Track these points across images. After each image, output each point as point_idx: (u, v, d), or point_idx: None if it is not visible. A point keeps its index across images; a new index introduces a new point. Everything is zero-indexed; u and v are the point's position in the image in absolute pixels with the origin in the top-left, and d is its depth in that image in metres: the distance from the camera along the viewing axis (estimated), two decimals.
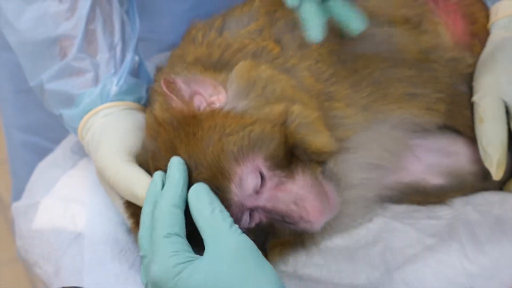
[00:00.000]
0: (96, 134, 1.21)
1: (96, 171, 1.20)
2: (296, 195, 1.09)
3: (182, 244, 0.97)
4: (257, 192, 1.08)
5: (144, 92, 1.30)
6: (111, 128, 1.21)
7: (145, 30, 1.37)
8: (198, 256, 0.97)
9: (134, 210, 1.14)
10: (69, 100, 1.26)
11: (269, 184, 1.08)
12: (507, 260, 1.17)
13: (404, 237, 1.22)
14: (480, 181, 1.30)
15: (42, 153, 1.62)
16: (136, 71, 1.31)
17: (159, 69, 1.31)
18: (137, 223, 1.15)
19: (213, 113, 1.08)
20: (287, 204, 1.08)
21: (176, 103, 1.10)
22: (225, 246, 0.95)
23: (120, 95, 1.25)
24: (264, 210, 1.09)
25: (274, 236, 1.14)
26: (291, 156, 1.09)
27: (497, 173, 1.23)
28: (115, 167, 1.14)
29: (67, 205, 1.28)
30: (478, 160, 1.28)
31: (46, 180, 1.35)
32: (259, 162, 1.07)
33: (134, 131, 1.20)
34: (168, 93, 1.10)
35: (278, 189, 1.09)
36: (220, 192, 1.03)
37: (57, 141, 1.56)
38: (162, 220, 0.99)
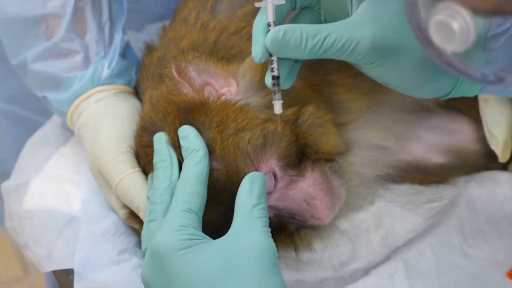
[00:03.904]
0: (90, 123, 1.18)
1: (90, 162, 1.16)
2: (306, 193, 1.08)
3: (194, 221, 0.95)
4: (269, 192, 1.07)
5: (134, 74, 1.26)
6: (107, 117, 1.17)
7: (130, 1, 1.31)
8: (205, 236, 0.95)
9: None
10: (57, 82, 1.21)
11: (280, 183, 1.07)
12: (505, 243, 1.17)
13: (405, 223, 1.22)
14: (483, 160, 1.28)
15: (23, 122, 1.61)
16: (124, 52, 1.27)
17: (148, 47, 1.27)
18: (130, 213, 1.14)
19: (226, 105, 1.05)
20: (298, 203, 1.08)
21: (187, 89, 1.07)
22: (248, 241, 0.92)
23: (112, 78, 1.21)
24: (274, 208, 1.08)
25: (281, 229, 1.13)
26: (301, 154, 1.08)
27: (503, 155, 1.22)
28: (117, 175, 1.11)
29: (60, 185, 1.25)
30: (480, 138, 1.27)
31: (36, 158, 1.31)
32: (273, 163, 1.05)
33: (130, 118, 1.16)
34: (180, 79, 1.07)
35: (289, 188, 1.08)
36: (233, 187, 1.01)
37: (38, 111, 1.53)
38: (185, 194, 0.98)
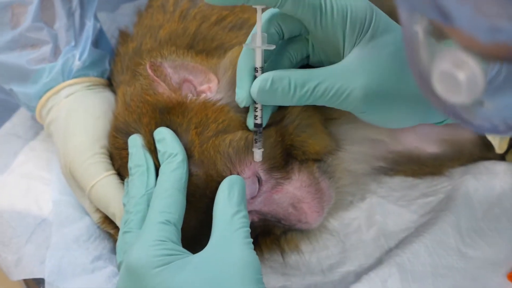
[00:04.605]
0: (61, 119, 1.10)
1: (61, 163, 1.09)
2: (293, 196, 1.01)
3: (172, 234, 0.89)
4: (253, 196, 0.99)
5: (107, 64, 1.17)
6: (79, 114, 1.09)
7: None
8: (184, 250, 0.88)
9: None
10: (24, 75, 1.13)
11: (265, 187, 1.00)
12: (505, 242, 1.10)
13: (399, 220, 1.15)
14: (480, 149, 1.21)
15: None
16: (97, 40, 1.18)
17: (123, 35, 1.19)
18: (105, 218, 1.07)
19: (205, 105, 0.97)
20: (284, 207, 1.01)
21: (163, 88, 0.99)
22: (229, 256, 0.86)
23: (84, 70, 1.13)
24: (259, 213, 1.01)
25: (266, 234, 1.07)
26: (287, 155, 1.01)
27: (500, 146, 1.15)
28: (91, 179, 1.03)
29: (29, 184, 1.17)
30: None
31: (5, 153, 1.23)
32: (257, 166, 0.97)
33: (104, 115, 1.09)
34: (155, 77, 0.99)
35: (275, 191, 1.01)
36: (213, 194, 0.93)
37: None
38: (162, 204, 0.91)
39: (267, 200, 1.01)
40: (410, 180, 1.21)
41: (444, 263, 1.08)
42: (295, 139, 1.01)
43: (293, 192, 1.01)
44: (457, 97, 0.64)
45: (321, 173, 1.05)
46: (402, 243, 1.11)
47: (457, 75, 0.62)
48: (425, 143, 1.21)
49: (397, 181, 1.21)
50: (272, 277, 1.10)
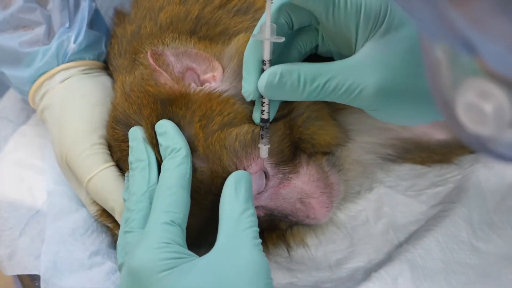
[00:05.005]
0: (55, 106, 1.04)
1: (56, 152, 1.03)
2: (301, 191, 0.97)
3: (177, 235, 0.84)
4: (260, 192, 0.95)
5: (104, 46, 1.12)
6: (75, 101, 1.04)
7: None
8: (190, 253, 0.84)
9: None
10: (16, 58, 1.07)
11: (272, 181, 0.96)
12: None
13: (408, 212, 1.11)
14: None
15: None
16: (92, 21, 1.12)
17: (119, 15, 1.13)
18: (103, 210, 1.02)
19: (209, 97, 0.92)
20: (292, 202, 0.97)
21: (165, 79, 0.93)
22: (238, 259, 0.82)
23: (79, 53, 1.08)
24: (266, 208, 0.97)
25: (272, 229, 1.03)
26: (294, 149, 0.96)
27: None
28: (89, 172, 0.98)
29: (21, 173, 1.12)
30: None
31: None
32: (264, 160, 0.93)
33: (101, 102, 1.03)
34: (156, 67, 0.93)
35: (282, 186, 0.97)
36: (219, 190, 0.89)
37: None
38: (166, 203, 0.86)
39: (274, 195, 0.97)
40: (418, 169, 1.16)
41: (457, 258, 1.04)
42: (304, 132, 0.96)
43: (301, 187, 0.97)
44: (483, 129, 0.59)
45: (330, 167, 1.01)
46: (412, 237, 1.07)
47: (483, 106, 0.58)
48: (434, 129, 1.16)
49: (405, 170, 1.16)
50: (278, 273, 1.05)
